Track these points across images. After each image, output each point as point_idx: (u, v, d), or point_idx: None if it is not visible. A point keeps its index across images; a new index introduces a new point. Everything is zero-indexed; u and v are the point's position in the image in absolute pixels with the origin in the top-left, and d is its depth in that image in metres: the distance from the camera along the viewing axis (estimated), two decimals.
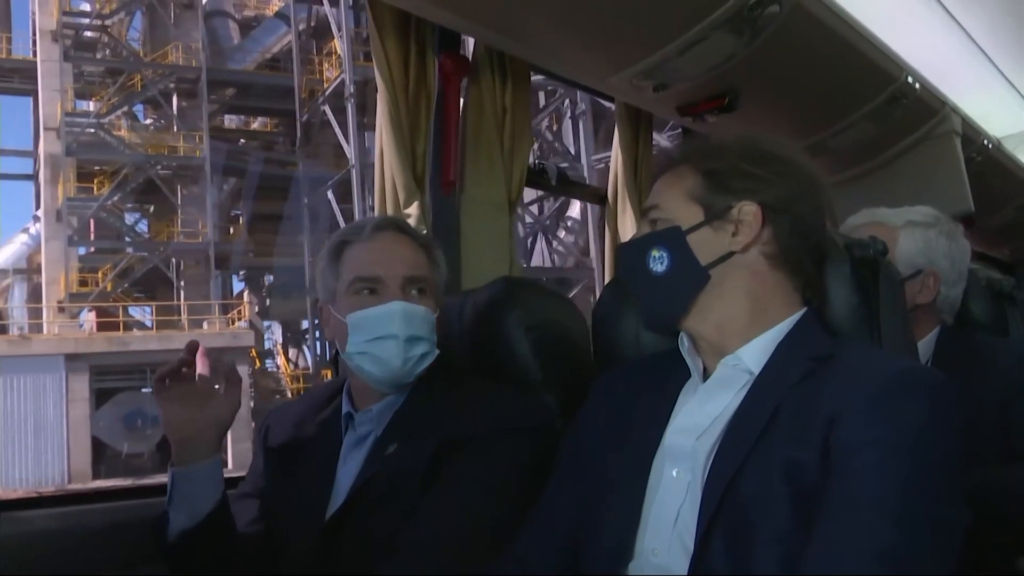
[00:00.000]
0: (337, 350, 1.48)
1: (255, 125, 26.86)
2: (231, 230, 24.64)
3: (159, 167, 21.29)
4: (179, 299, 21.07)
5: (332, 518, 1.37)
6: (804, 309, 1.17)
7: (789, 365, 1.09)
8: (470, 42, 2.27)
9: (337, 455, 1.46)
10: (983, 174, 3.67)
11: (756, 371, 1.12)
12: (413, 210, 2.01)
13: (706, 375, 1.17)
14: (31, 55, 21.56)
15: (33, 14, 21.24)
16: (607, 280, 2.88)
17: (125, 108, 21.91)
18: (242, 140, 25.99)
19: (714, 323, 1.15)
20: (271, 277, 25.24)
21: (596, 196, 2.97)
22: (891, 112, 3.05)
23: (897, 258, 1.68)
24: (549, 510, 1.23)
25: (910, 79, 2.94)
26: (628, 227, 2.82)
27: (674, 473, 1.09)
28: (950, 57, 3.27)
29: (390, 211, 2.04)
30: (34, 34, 21.36)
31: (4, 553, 1.34)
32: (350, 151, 19.55)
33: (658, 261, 1.16)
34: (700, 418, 1.12)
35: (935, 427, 0.99)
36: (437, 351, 1.43)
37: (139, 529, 1.53)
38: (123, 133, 21.55)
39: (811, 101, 2.79)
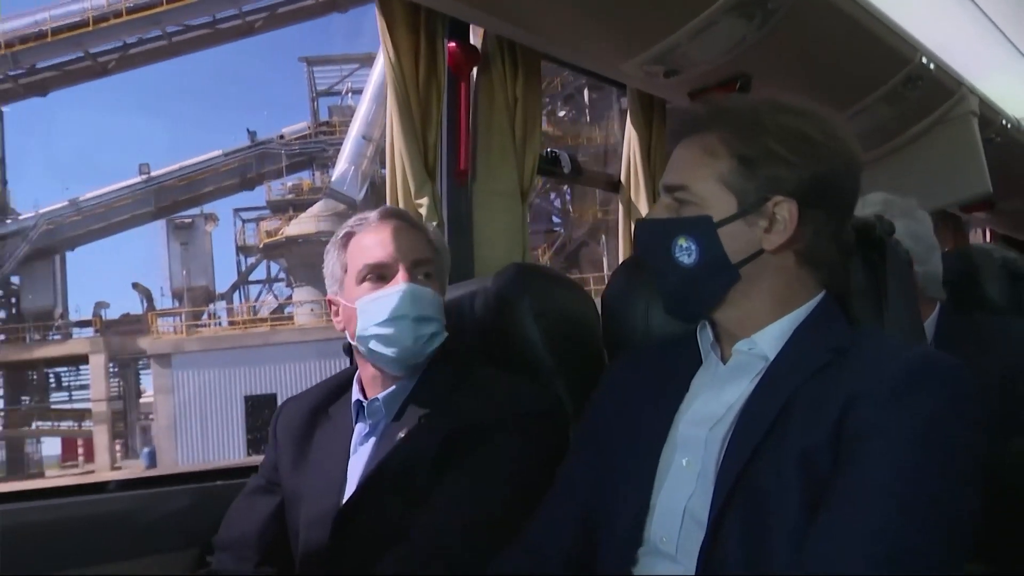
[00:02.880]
0: (348, 341, 1.50)
1: None
2: None
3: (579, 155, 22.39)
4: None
5: (344, 507, 1.39)
6: (822, 293, 1.15)
7: (806, 354, 1.08)
8: (480, 31, 2.26)
9: (348, 444, 1.48)
10: (1002, 155, 3.62)
11: (771, 357, 1.10)
12: (425, 200, 2.02)
13: (723, 360, 1.17)
14: None
15: None
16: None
17: (548, 107, 22.97)
18: None
19: (735, 316, 1.14)
20: None
21: (609, 183, 2.96)
22: (906, 94, 3.02)
23: None
24: (560, 497, 1.23)
25: (925, 60, 2.91)
26: (642, 215, 2.81)
27: (684, 462, 1.09)
28: (966, 37, 3.23)
29: (401, 201, 2.05)
30: None
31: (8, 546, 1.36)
32: None
33: (685, 252, 1.12)
34: (715, 407, 1.11)
35: (949, 417, 0.98)
36: (446, 334, 1.45)
37: (141, 519, 1.58)
38: (547, 127, 22.44)
39: (824, 84, 2.76)
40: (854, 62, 2.76)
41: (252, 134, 25.64)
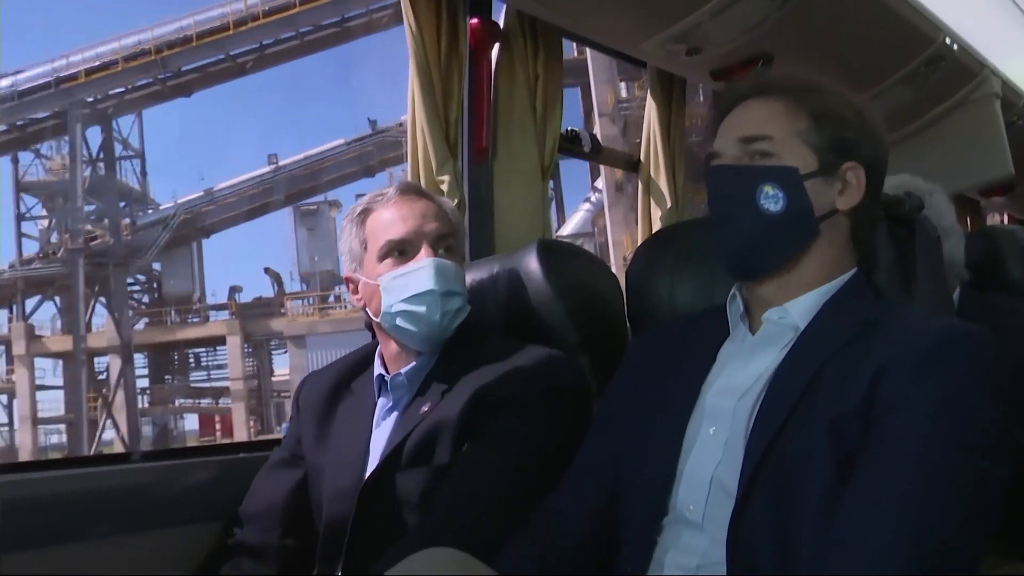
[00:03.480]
0: (368, 317, 1.50)
1: None
2: None
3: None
4: None
5: (367, 481, 1.39)
6: (855, 269, 1.16)
7: (836, 325, 1.08)
8: (501, 8, 2.25)
9: (371, 419, 1.48)
10: (1023, 138, 3.60)
11: (801, 327, 1.11)
12: (446, 177, 2.02)
13: (752, 331, 1.16)
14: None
15: None
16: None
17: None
18: None
19: (785, 279, 1.14)
20: None
21: (629, 162, 2.95)
22: (929, 75, 3.00)
23: None
24: (583, 470, 1.24)
25: (948, 41, 2.89)
26: (661, 195, 2.81)
27: (711, 431, 1.09)
28: (990, 18, 3.21)
29: (423, 177, 2.05)
30: None
31: (7, 517, 1.37)
32: None
33: (772, 199, 1.11)
34: (743, 377, 1.11)
35: (976, 387, 0.98)
36: (469, 307, 1.45)
37: (164, 490, 1.58)
38: None
39: (846, 64, 2.74)
40: (876, 42, 2.74)
41: (372, 123, 25.95)
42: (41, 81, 20.59)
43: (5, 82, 20.56)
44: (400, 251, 1.44)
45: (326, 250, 26.17)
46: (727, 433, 1.07)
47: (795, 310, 1.12)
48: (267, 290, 27.75)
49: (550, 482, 1.26)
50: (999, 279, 1.98)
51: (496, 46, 2.23)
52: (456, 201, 1.96)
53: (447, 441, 1.35)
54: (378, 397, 1.50)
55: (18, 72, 21.30)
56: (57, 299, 24.59)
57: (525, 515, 1.24)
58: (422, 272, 1.41)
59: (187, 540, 1.58)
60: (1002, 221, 5.44)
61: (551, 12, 2.23)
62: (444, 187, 2.00)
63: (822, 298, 1.12)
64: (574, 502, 1.21)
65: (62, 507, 1.46)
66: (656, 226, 2.80)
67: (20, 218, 24.62)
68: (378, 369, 1.50)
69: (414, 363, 1.46)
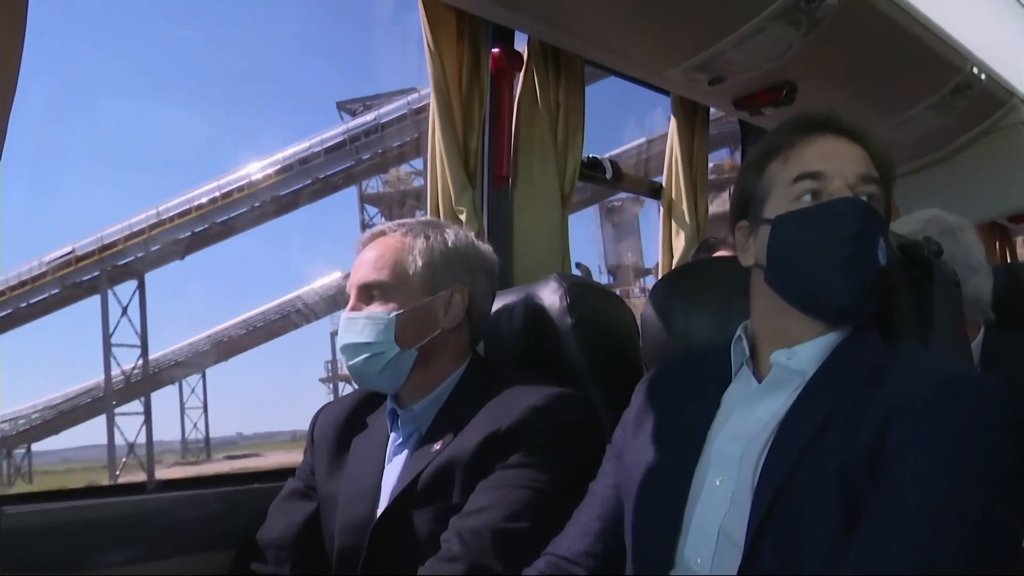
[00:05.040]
0: None
1: None
2: None
3: None
4: None
5: (380, 517, 1.39)
6: None
7: (844, 370, 1.07)
8: (523, 36, 2.26)
9: (384, 453, 1.49)
10: None
11: (809, 373, 1.09)
12: (465, 206, 2.02)
13: (757, 377, 1.15)
14: None
15: None
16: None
17: None
18: None
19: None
20: None
21: (651, 189, 2.94)
22: (956, 103, 2.98)
23: None
24: (590, 512, 1.23)
25: (975, 70, 2.87)
26: (684, 221, 2.80)
27: (717, 482, 1.07)
28: (1018, 45, 3.18)
29: (441, 206, 2.05)
30: None
31: (11, 548, 1.38)
32: None
33: (882, 252, 1.10)
34: (750, 423, 1.09)
35: (985, 434, 0.96)
36: (394, 350, 1.44)
37: (145, 524, 1.59)
38: None
39: (872, 93, 2.73)
40: (902, 71, 2.72)
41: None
42: (397, 115, 20.87)
43: (370, 116, 21.21)
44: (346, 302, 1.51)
45: (630, 244, 27.49)
46: (734, 483, 1.05)
47: (804, 353, 1.10)
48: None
49: (560, 521, 1.25)
50: (1022, 316, 1.95)
51: (518, 75, 2.23)
52: (475, 230, 1.96)
53: (458, 480, 1.35)
54: (391, 431, 1.50)
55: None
56: None
57: (535, 552, 1.23)
58: (341, 328, 1.48)
59: (201, 569, 1.59)
60: None
61: (574, 41, 2.24)
62: (463, 216, 2.01)
63: (832, 343, 1.10)
64: (578, 545, 1.20)
65: (77, 536, 1.48)
66: (677, 252, 2.80)
67: (364, 225, 25.76)
68: (390, 403, 1.50)
69: (426, 397, 1.46)
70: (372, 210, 26.04)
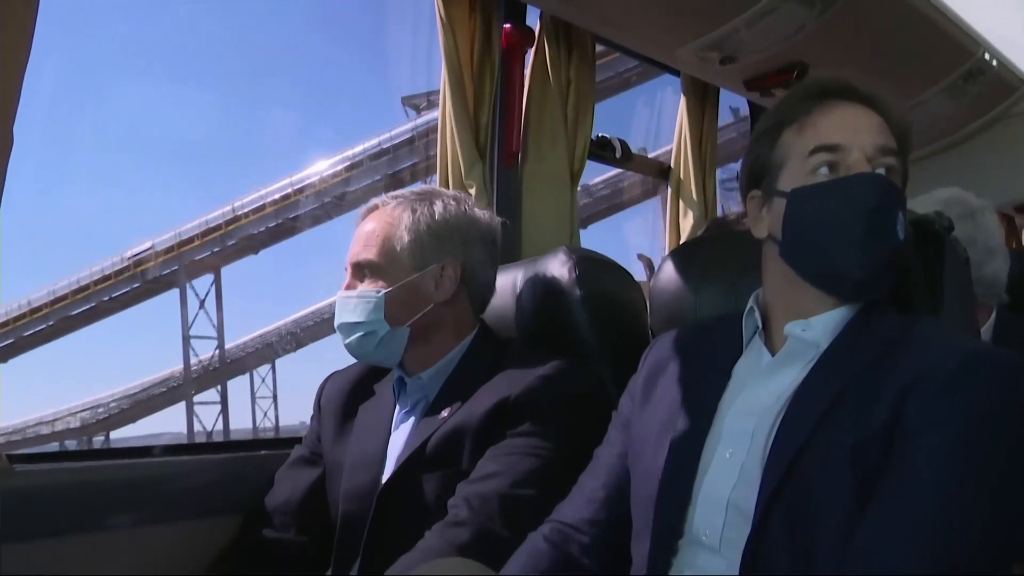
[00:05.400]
0: None
1: None
2: None
3: None
4: None
5: (386, 483, 1.40)
6: None
7: (860, 345, 1.05)
8: (535, 12, 2.26)
9: (390, 421, 1.49)
10: None
11: (824, 345, 1.07)
12: (475, 180, 2.02)
13: (769, 349, 1.13)
14: None
15: None
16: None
17: None
18: None
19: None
20: None
21: (659, 170, 2.94)
22: (967, 89, 2.97)
23: None
24: (594, 480, 1.23)
25: (987, 55, 2.85)
26: (692, 202, 2.80)
27: (727, 454, 1.06)
28: None
29: (451, 180, 2.05)
30: None
31: (20, 506, 1.39)
32: None
33: (901, 227, 1.07)
34: (763, 397, 1.08)
35: (1002, 412, 0.95)
36: (385, 328, 1.44)
37: (153, 487, 1.60)
38: None
39: (884, 75, 2.64)
40: (914, 54, 2.71)
41: (735, 111, 26.35)
42: None
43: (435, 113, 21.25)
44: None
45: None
46: (744, 455, 1.04)
47: (819, 325, 1.09)
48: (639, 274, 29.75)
49: (569, 489, 1.26)
50: None
51: (529, 51, 2.23)
52: (486, 203, 1.96)
53: (466, 446, 1.36)
54: (397, 400, 1.50)
55: None
56: None
57: (539, 520, 1.23)
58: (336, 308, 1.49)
59: (208, 533, 1.60)
60: None
61: (585, 18, 2.23)
62: (472, 190, 2.01)
63: (846, 316, 1.09)
64: (581, 513, 1.20)
65: (85, 497, 1.49)
66: (685, 233, 2.80)
67: None
68: (397, 372, 1.51)
69: (434, 367, 1.47)
70: None
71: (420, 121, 20.64)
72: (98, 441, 24.21)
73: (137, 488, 1.57)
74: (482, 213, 1.54)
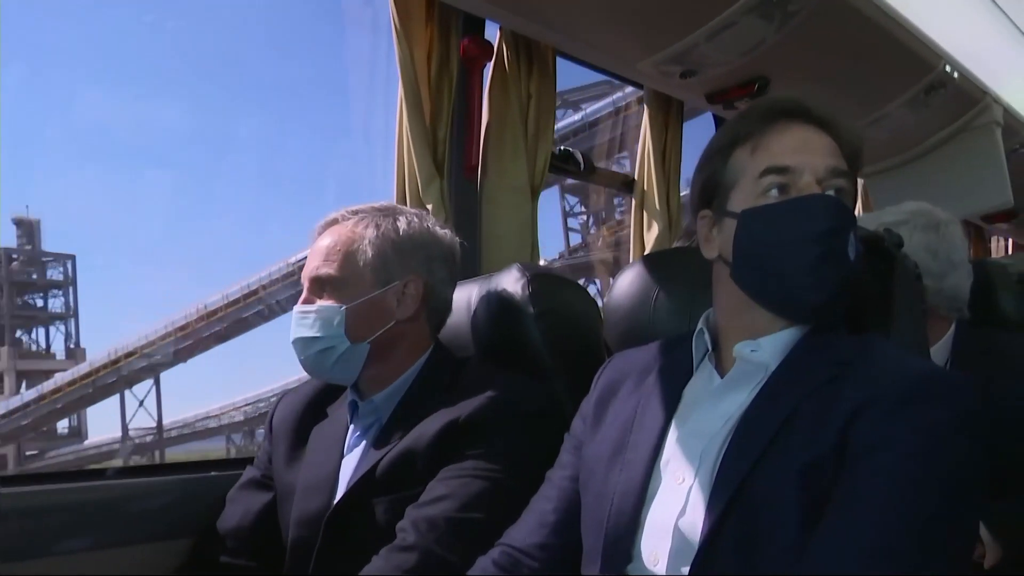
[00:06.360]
0: None
1: None
2: None
3: None
4: None
5: (335, 507, 1.37)
6: None
7: (810, 366, 1.04)
8: (495, 26, 2.24)
9: (343, 444, 1.46)
10: None
11: (772, 366, 1.06)
12: (432, 195, 2.00)
13: (719, 370, 1.12)
14: None
15: None
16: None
17: None
18: None
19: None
20: None
21: (623, 183, 2.93)
22: (929, 101, 2.99)
23: None
24: (546, 502, 1.21)
25: (949, 68, 2.87)
26: (656, 215, 2.79)
27: (675, 478, 1.05)
28: (992, 45, 3.19)
29: (409, 196, 2.03)
30: None
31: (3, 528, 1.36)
32: None
33: (853, 248, 1.07)
34: (711, 419, 1.07)
35: (953, 433, 0.94)
36: (345, 344, 1.42)
37: (136, 507, 1.57)
38: None
39: (846, 89, 2.73)
40: (876, 67, 2.72)
41: None
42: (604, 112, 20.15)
43: (577, 115, 20.94)
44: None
45: None
46: (692, 480, 1.03)
47: (768, 346, 1.08)
48: None
49: (520, 511, 1.24)
50: (991, 314, 1.94)
51: (489, 64, 2.22)
52: (443, 219, 1.94)
53: (417, 469, 1.33)
54: (351, 422, 1.48)
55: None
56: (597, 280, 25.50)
57: (492, 543, 1.21)
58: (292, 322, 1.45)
59: (158, 557, 1.57)
60: (1005, 247, 5.41)
61: (545, 31, 2.23)
62: (430, 206, 1.99)
63: (795, 336, 1.08)
64: (534, 536, 1.18)
65: (33, 522, 1.46)
66: (649, 246, 2.79)
67: (566, 215, 26.45)
68: (351, 395, 1.48)
69: (386, 389, 1.44)
70: (572, 199, 26.62)
71: (563, 124, 20.20)
72: (259, 434, 25.24)
73: (86, 512, 1.53)
74: (443, 231, 1.52)
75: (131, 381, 27.66)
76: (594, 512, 1.11)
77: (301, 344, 1.42)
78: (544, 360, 1.49)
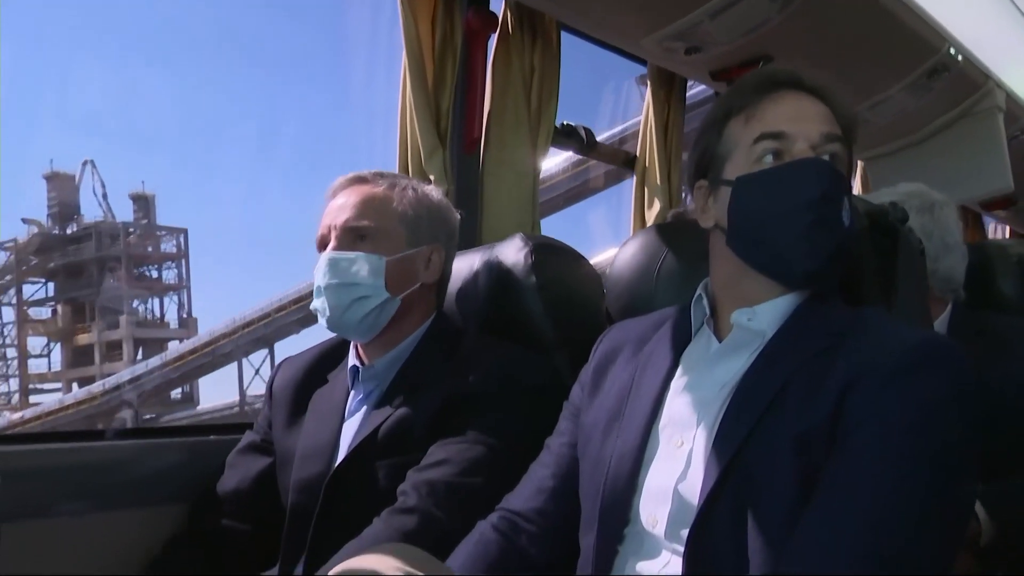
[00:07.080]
0: None
1: None
2: None
3: None
4: None
5: (334, 472, 1.38)
6: None
7: (806, 335, 1.05)
8: None
9: (343, 409, 1.47)
10: None
11: (769, 334, 1.07)
12: (435, 165, 1.99)
13: (717, 337, 1.13)
14: None
15: None
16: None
17: None
18: None
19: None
20: None
21: (625, 159, 2.93)
22: (932, 85, 2.98)
23: None
24: (544, 469, 1.22)
25: (952, 51, 2.86)
26: (657, 191, 2.79)
27: (674, 442, 1.06)
28: (996, 29, 3.18)
29: (411, 167, 2.03)
30: None
31: None
32: None
33: (847, 214, 1.07)
34: (708, 386, 1.07)
35: (947, 404, 0.94)
36: (382, 296, 1.41)
37: (100, 472, 1.56)
38: None
39: (848, 71, 2.72)
40: (879, 50, 2.72)
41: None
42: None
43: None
44: (323, 245, 1.44)
45: None
46: (691, 444, 1.04)
47: (764, 313, 1.08)
48: None
49: (519, 479, 1.24)
50: (990, 296, 1.94)
51: (493, 36, 2.20)
52: (445, 190, 1.93)
53: (417, 435, 1.34)
54: (351, 388, 1.48)
55: None
56: None
57: (491, 509, 1.22)
58: (319, 268, 1.42)
59: (156, 520, 1.57)
60: (1002, 234, 5.41)
61: (551, 4, 2.21)
62: (432, 176, 1.98)
63: (792, 304, 1.09)
64: (533, 501, 1.19)
65: (24, 482, 1.45)
66: (650, 222, 2.78)
67: None
68: (352, 360, 1.48)
69: (387, 355, 1.44)
70: None
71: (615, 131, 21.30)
72: None
73: (83, 473, 1.53)
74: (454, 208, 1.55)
75: (247, 351, 29.77)
76: (592, 477, 1.12)
77: (335, 291, 1.40)
78: (546, 330, 1.49)
